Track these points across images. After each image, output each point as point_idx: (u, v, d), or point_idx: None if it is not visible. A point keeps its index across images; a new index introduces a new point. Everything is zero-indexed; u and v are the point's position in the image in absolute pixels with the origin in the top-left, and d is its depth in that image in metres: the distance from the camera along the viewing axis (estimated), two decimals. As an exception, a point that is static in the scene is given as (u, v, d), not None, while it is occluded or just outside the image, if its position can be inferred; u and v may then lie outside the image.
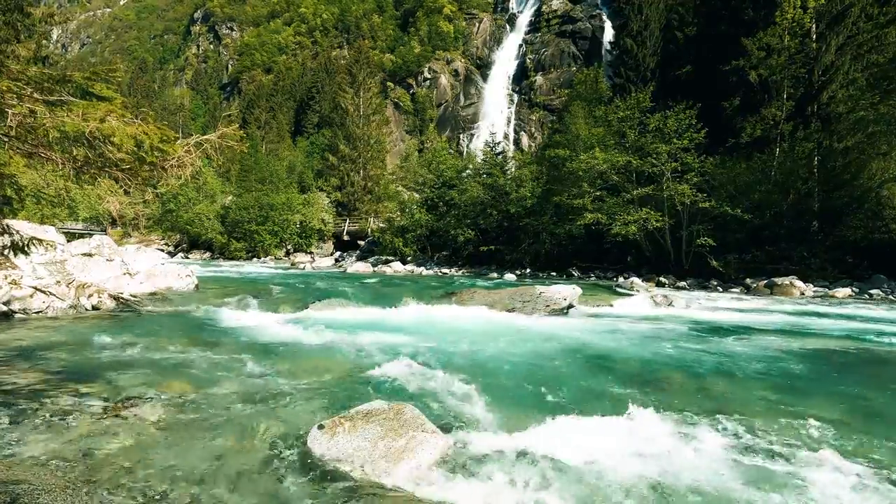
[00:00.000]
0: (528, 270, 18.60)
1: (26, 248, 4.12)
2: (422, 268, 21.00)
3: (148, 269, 9.14)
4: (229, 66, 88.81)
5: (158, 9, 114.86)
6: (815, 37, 15.75)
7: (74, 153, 3.01)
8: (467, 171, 25.50)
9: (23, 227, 7.43)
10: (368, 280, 14.58)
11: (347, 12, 78.33)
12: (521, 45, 64.30)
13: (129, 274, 8.64)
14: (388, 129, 54.21)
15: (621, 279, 14.74)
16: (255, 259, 29.94)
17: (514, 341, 5.52)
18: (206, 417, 2.92)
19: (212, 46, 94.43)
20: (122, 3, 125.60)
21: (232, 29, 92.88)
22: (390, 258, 23.55)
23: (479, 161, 25.95)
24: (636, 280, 13.82)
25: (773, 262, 13.87)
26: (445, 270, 20.01)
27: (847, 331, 6.56)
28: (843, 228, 13.74)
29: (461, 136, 61.27)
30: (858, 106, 14.10)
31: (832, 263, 13.47)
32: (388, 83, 63.96)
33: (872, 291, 11.11)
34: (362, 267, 20.65)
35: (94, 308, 7.06)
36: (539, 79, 59.99)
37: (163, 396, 3.25)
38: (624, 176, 15.86)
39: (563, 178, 17.35)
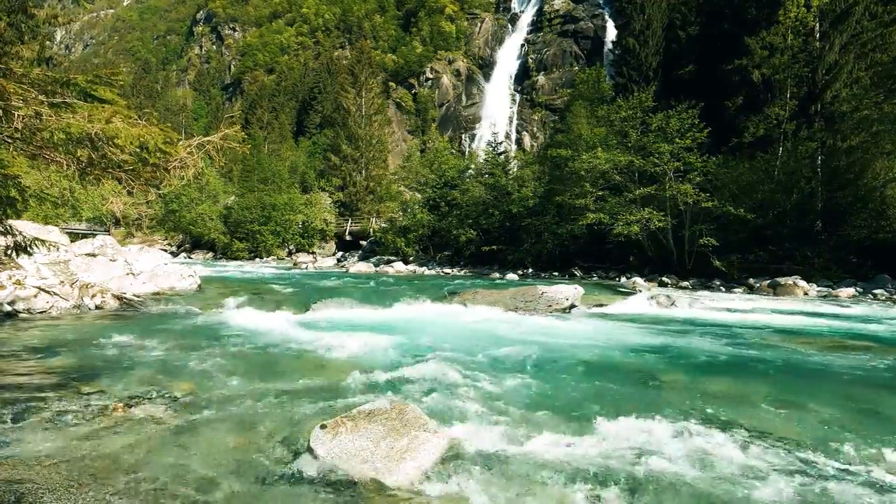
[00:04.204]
0: (530, 270, 18.59)
1: (29, 249, 4.14)
2: (424, 268, 21.01)
3: (151, 270, 9.17)
4: (231, 66, 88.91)
5: (161, 9, 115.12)
6: (818, 35, 15.69)
7: (78, 154, 3.03)
8: (469, 171, 25.54)
9: (26, 227, 7.47)
10: (370, 280, 14.59)
11: (349, 12, 78.32)
12: (522, 45, 64.17)
13: (132, 274, 8.67)
14: (389, 129, 54.27)
15: (623, 279, 14.71)
16: (257, 259, 30.00)
17: (517, 341, 5.51)
18: (208, 417, 2.93)
19: (214, 47, 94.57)
20: (125, 3, 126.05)
21: (234, 29, 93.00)
22: (392, 258, 23.57)
23: (481, 161, 25.98)
24: (638, 280, 13.80)
25: (776, 262, 13.83)
26: (447, 270, 20.01)
27: (851, 331, 6.53)
28: (847, 228, 13.67)
29: (463, 135, 61.18)
30: (862, 105, 14.02)
31: (836, 263, 13.41)
32: (390, 83, 63.92)
33: (876, 291, 11.06)
34: (364, 267, 20.67)
35: (98, 308, 7.09)
36: (541, 78, 59.88)
37: (165, 396, 3.27)
38: (626, 176, 15.83)
39: (565, 177, 17.33)
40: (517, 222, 19.76)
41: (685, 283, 13.71)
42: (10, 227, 3.99)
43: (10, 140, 2.94)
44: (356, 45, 49.68)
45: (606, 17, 57.60)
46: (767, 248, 14.26)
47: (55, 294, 6.72)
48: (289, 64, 75.91)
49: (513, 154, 33.34)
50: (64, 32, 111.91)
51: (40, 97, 2.81)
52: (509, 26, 68.82)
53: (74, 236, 18.14)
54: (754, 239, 14.54)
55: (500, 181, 21.73)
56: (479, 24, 68.72)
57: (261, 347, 4.94)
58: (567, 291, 8.14)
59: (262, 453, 2.48)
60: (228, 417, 2.93)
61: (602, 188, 16.28)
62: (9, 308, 6.20)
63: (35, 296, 6.49)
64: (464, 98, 64.09)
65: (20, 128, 2.75)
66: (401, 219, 26.05)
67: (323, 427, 2.53)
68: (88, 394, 3.25)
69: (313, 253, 31.40)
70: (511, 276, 16.72)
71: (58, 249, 5.58)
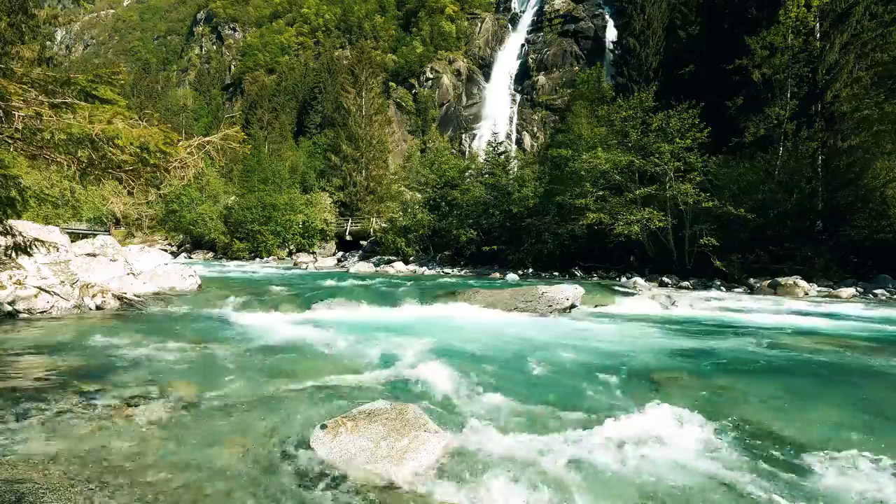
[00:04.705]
0: (530, 270, 18.58)
1: (29, 249, 4.15)
2: (424, 268, 21.01)
3: (151, 270, 9.18)
4: (232, 66, 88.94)
5: (161, 10, 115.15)
6: (819, 35, 15.68)
7: (79, 155, 3.03)
8: (469, 171, 25.53)
9: (27, 227, 7.48)
10: (371, 280, 14.59)
11: (350, 12, 78.41)
12: (523, 45, 64.20)
13: (133, 274, 8.67)
14: (390, 129, 54.26)
15: (624, 279, 14.70)
16: (257, 259, 30.01)
17: (517, 341, 5.51)
18: (209, 417, 2.93)
19: (214, 47, 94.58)
20: (125, 4, 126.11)
21: (234, 30, 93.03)
22: (393, 258, 23.57)
23: (482, 161, 25.99)
24: (639, 280, 13.79)
25: (776, 262, 13.81)
26: (448, 270, 20.01)
27: (851, 331, 6.52)
28: (848, 228, 13.67)
29: (463, 135, 61.21)
30: (863, 105, 14.01)
31: (836, 263, 13.41)
32: (391, 83, 63.97)
33: (877, 291, 11.06)
34: (365, 267, 20.67)
35: (98, 308, 7.09)
36: (541, 78, 59.89)
37: (166, 396, 3.27)
38: (626, 176, 15.82)
39: (565, 177, 17.33)
40: (517, 222, 19.75)
41: (686, 283, 13.70)
42: (10, 227, 3.99)
43: (10, 140, 2.94)
44: (356, 45, 49.75)
45: (607, 17, 57.59)
46: (768, 248, 14.25)
47: (56, 294, 6.72)
48: (289, 64, 75.94)
49: (513, 154, 33.33)
50: (64, 33, 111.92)
51: (41, 97, 2.81)
52: (509, 26, 68.82)
53: (75, 236, 18.13)
54: (755, 239, 14.53)
55: (500, 181, 21.74)
56: (479, 24, 68.74)
57: (261, 348, 4.94)
58: (567, 291, 8.13)
59: (263, 454, 2.48)
60: (228, 417, 2.93)
61: (602, 188, 16.27)
62: (9, 308, 6.20)
63: (36, 296, 6.49)
64: (464, 98, 64.11)
65: (21, 128, 2.75)
66: (401, 219, 26.05)
67: (323, 427, 2.53)
68: (89, 394, 3.25)
69: (314, 253, 31.40)
70: (511, 276, 16.71)
71: (58, 250, 5.59)
